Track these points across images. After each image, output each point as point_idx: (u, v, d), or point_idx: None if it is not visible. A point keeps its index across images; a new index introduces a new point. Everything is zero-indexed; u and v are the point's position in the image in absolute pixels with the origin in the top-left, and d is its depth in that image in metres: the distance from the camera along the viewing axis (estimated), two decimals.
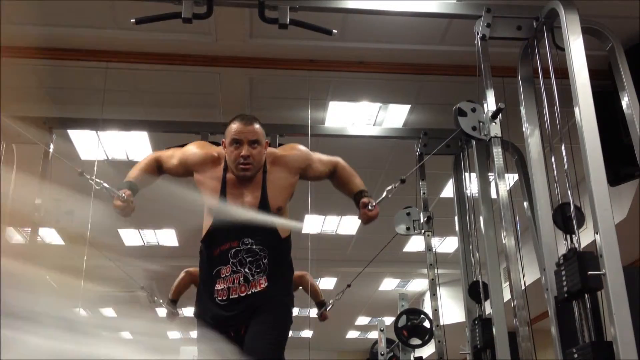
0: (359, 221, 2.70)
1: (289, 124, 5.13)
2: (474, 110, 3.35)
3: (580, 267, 2.72)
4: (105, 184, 2.58)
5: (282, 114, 5.29)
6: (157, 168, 2.66)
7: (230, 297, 2.47)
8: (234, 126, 2.54)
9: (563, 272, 2.85)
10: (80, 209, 4.45)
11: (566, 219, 3.01)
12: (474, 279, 4.47)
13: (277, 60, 4.70)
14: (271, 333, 2.46)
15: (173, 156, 2.66)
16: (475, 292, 4.35)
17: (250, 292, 2.47)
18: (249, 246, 2.49)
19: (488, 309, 3.94)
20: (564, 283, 2.84)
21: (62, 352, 1.88)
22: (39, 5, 4.13)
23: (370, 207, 2.61)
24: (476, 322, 4.33)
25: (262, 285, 2.49)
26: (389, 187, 2.79)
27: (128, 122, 5.06)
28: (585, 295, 2.78)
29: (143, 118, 5.10)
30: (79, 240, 4.59)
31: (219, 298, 2.49)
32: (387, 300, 10.21)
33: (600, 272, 2.63)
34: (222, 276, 2.50)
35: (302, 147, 2.73)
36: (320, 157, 2.74)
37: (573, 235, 2.97)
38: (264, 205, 2.52)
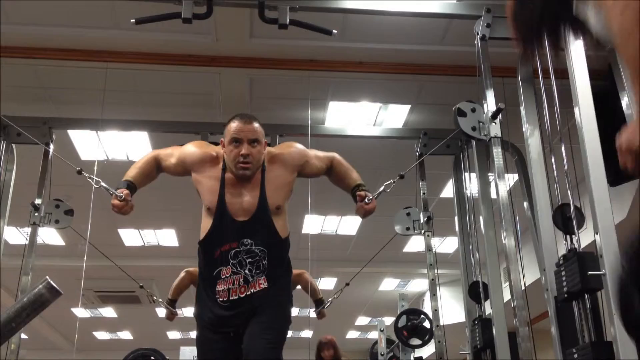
0: (359, 220, 2.70)
1: (289, 124, 5.13)
2: (473, 110, 3.35)
3: (581, 267, 2.72)
4: (103, 183, 2.62)
5: (282, 114, 5.29)
6: (155, 167, 2.65)
7: (231, 298, 2.48)
8: (234, 125, 2.51)
9: (563, 272, 2.85)
10: (79, 209, 4.44)
11: (566, 219, 3.01)
12: (474, 279, 4.47)
13: (277, 60, 4.70)
14: (269, 332, 2.46)
15: (172, 155, 2.65)
16: (475, 293, 4.34)
17: (250, 293, 2.48)
18: (248, 247, 2.49)
19: (488, 309, 3.94)
20: (564, 283, 2.84)
21: None
22: (39, 5, 4.14)
23: (367, 200, 2.60)
24: (476, 322, 4.33)
25: (262, 286, 2.50)
26: (387, 182, 2.79)
27: (128, 122, 5.06)
28: (585, 295, 2.78)
29: (143, 118, 5.10)
30: (78, 240, 4.59)
31: (220, 299, 2.49)
32: (387, 300, 10.21)
33: (600, 272, 2.62)
34: (223, 277, 2.50)
35: (298, 145, 2.72)
36: (317, 154, 2.74)
37: (573, 236, 2.97)
38: (263, 204, 2.51)
